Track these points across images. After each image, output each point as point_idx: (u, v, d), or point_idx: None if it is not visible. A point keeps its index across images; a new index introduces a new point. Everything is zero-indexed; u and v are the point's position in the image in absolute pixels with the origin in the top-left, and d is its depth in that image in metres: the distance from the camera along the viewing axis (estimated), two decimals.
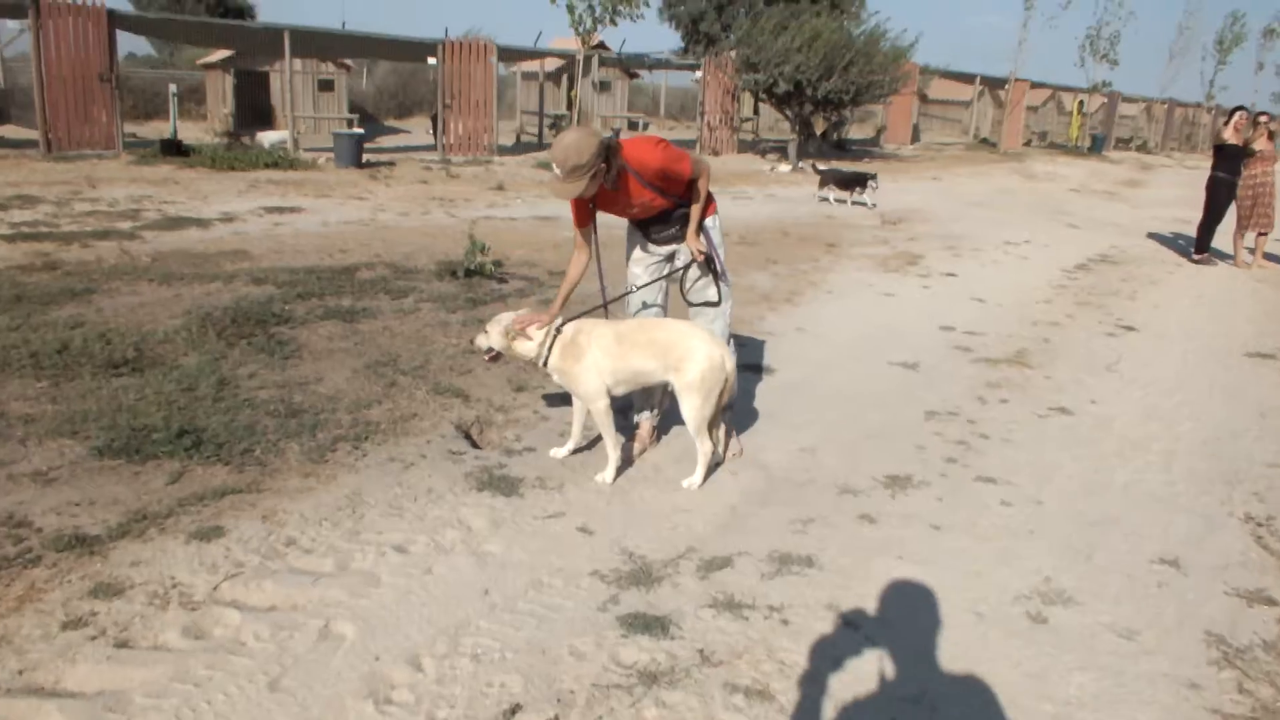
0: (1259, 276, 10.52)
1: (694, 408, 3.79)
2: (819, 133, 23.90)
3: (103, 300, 6.01)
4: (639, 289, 4.20)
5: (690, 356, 3.76)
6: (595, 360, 3.81)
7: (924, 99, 30.47)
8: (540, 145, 20.39)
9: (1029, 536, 3.68)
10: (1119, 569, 3.48)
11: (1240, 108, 10.89)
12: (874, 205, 14.34)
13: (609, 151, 3.62)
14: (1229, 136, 10.63)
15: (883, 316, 7.32)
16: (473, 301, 6.76)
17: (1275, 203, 10.56)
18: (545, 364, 3.90)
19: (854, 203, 14.51)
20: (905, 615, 3.02)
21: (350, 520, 3.34)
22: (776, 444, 4.50)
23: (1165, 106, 38.59)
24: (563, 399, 4.47)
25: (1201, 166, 27.52)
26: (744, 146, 23.40)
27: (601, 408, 3.86)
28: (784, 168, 19.95)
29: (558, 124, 21.81)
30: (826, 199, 14.80)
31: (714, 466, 4.06)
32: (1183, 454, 4.73)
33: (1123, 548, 3.67)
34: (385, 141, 20.81)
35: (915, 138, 29.11)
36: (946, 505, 3.92)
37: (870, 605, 3.04)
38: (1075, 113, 32.02)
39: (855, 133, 28.10)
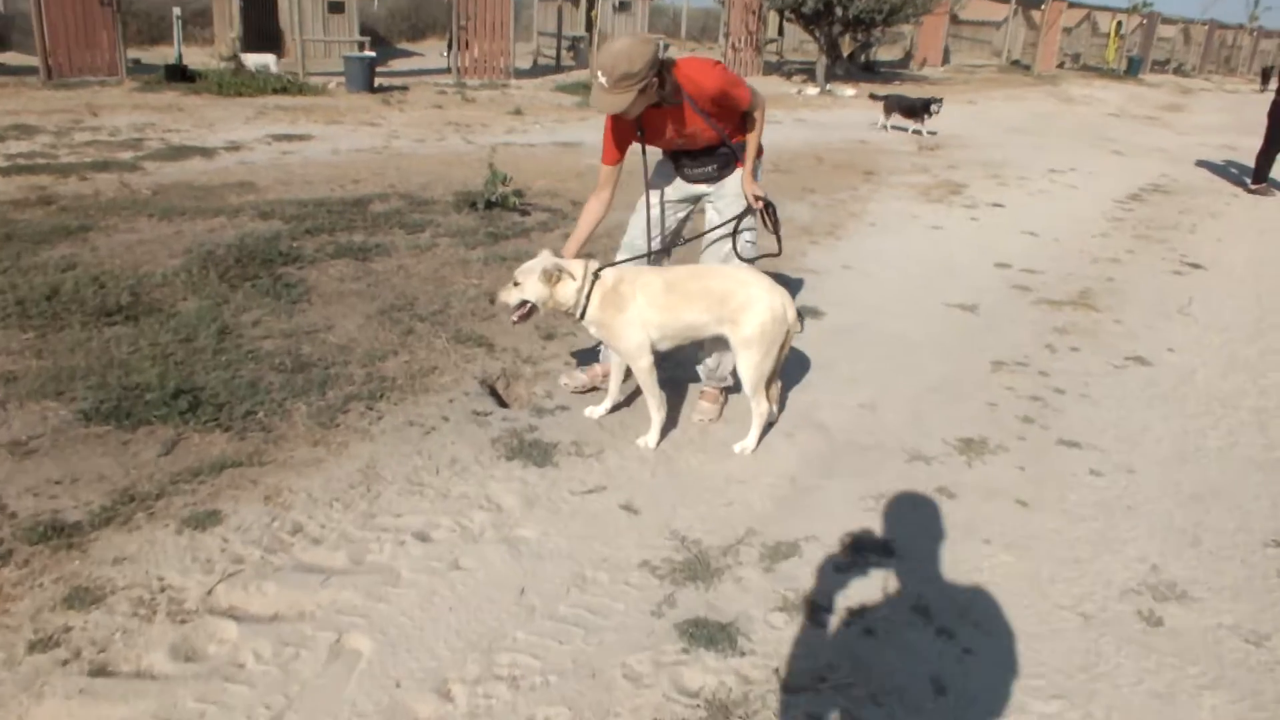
0: None
1: (752, 365, 3.36)
2: (846, 54, 22.84)
3: (99, 238, 5.58)
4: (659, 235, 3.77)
5: (750, 307, 3.31)
6: (640, 312, 3.37)
7: (954, 19, 29.11)
8: (558, 68, 19.53)
9: (1126, 514, 3.28)
10: (1232, 554, 3.08)
11: None
12: (931, 132, 13.44)
13: (663, 65, 3.13)
14: None
15: (933, 252, 6.80)
16: (494, 236, 6.29)
17: None
18: (582, 315, 3.45)
19: (915, 131, 13.44)
20: (1003, 619, 2.63)
21: (364, 501, 2.96)
22: (832, 399, 4.08)
23: (1205, 28, 36.86)
24: (599, 349, 4.04)
25: (1242, 91, 26.35)
26: (769, 69, 22.41)
27: (645, 366, 3.43)
28: (811, 90, 19.07)
29: (576, 46, 20.89)
30: (903, 128, 13.61)
31: (768, 427, 3.65)
32: (1275, 411, 4.28)
33: (1230, 527, 3.26)
34: (398, 65, 19.96)
35: (945, 59, 27.90)
36: (1030, 476, 3.51)
37: (963, 607, 2.66)
38: (1112, 34, 30.57)
39: (882, 54, 26.92)
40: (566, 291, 3.36)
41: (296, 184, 7.44)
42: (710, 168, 3.65)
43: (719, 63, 3.40)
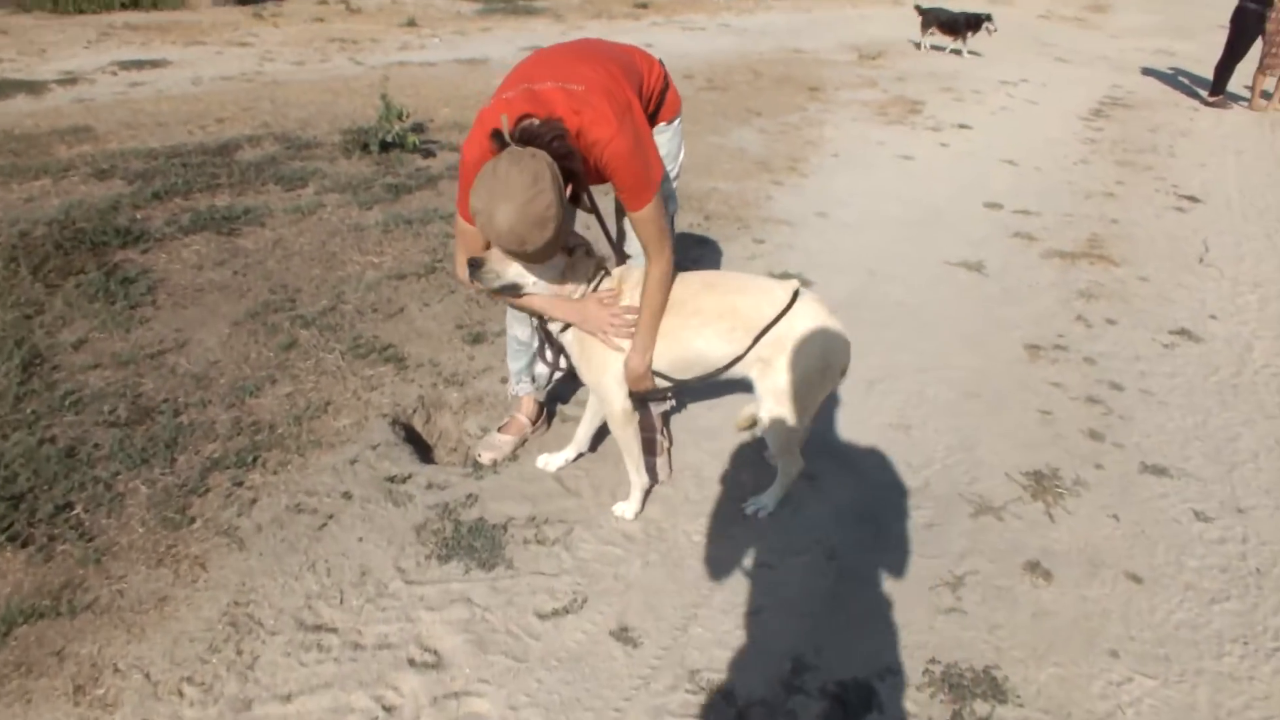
0: (1276, 120, 9.35)
1: (788, 425, 2.38)
2: None
3: None
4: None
5: (799, 346, 2.30)
6: None
7: None
8: None
9: (1260, 585, 2.52)
10: None
11: None
12: (973, 52, 11.80)
13: (568, 173, 2.06)
14: None
15: (912, 190, 5.91)
16: (394, 189, 5.12)
17: None
18: (563, 330, 2.44)
19: (954, 51, 11.75)
20: None
21: (232, 675, 1.95)
22: (852, 416, 3.20)
23: None
24: (528, 375, 3.03)
25: None
26: None
27: (626, 411, 2.46)
28: None
29: None
30: (941, 47, 11.84)
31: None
32: None
33: None
34: None
35: None
36: (1129, 529, 2.71)
37: None
38: None
39: None
40: (567, 287, 2.34)
41: (146, 127, 6.02)
42: None
43: (638, 135, 2.21)
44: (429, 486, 2.65)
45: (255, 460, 2.68)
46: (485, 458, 2.81)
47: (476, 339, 3.54)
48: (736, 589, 2.37)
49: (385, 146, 5.75)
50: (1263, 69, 9.54)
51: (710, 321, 2.34)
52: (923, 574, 2.46)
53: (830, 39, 12.51)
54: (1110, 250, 5.05)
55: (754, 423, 2.60)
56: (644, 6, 14.58)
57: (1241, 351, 3.95)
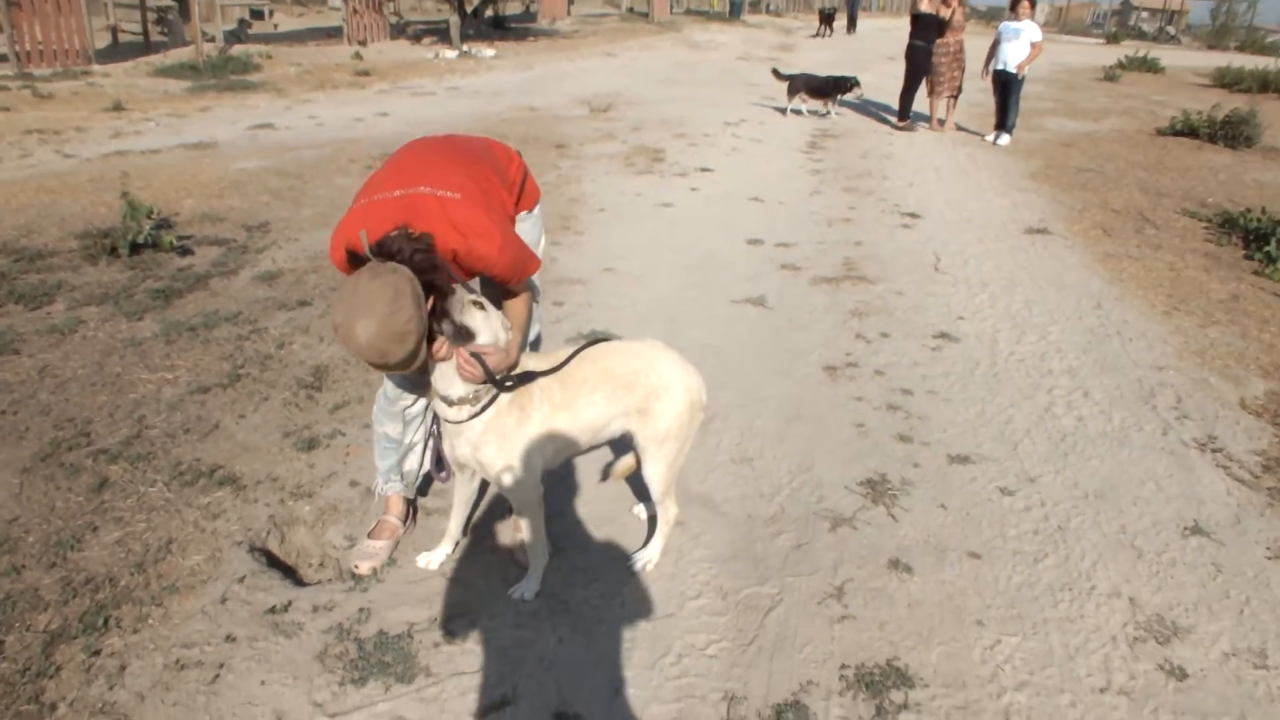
0: (954, 139, 10.95)
1: (666, 465, 2.58)
2: (470, 10, 21.83)
3: None
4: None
5: (665, 391, 2.51)
6: (545, 420, 2.42)
7: None
8: (148, 47, 16.36)
9: (1065, 540, 3.00)
10: (1174, 556, 2.91)
11: None
12: (837, 113, 12.18)
13: (430, 287, 2.07)
14: (925, 6, 10.78)
15: (680, 236, 6.32)
16: (162, 295, 4.74)
17: (962, 69, 10.97)
18: (481, 411, 2.35)
19: (814, 112, 12.12)
20: None
21: None
22: (698, 457, 3.41)
23: None
24: (391, 475, 2.96)
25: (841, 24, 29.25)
26: (395, 32, 20.79)
27: (539, 500, 2.51)
28: (449, 53, 17.88)
29: (164, 19, 17.67)
30: (799, 110, 12.12)
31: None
32: (1085, 373, 4.34)
33: (1148, 523, 3.11)
34: None
35: (568, 11, 27.91)
36: (956, 515, 3.11)
37: None
38: None
39: (507, 10, 26.27)
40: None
41: None
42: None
43: (502, 219, 2.33)
44: (314, 610, 2.51)
45: (106, 622, 2.41)
46: (364, 568, 2.70)
47: (310, 445, 3.38)
48: (651, 643, 2.46)
49: (135, 248, 5.30)
50: (936, 94, 11.13)
51: (597, 387, 2.46)
52: (807, 591, 2.68)
53: (559, 95, 13.01)
54: (864, 270, 5.70)
55: (631, 470, 2.76)
56: (366, 74, 14.37)
57: (990, 345, 4.62)
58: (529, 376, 2.38)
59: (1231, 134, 10.49)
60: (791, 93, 12.06)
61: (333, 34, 19.34)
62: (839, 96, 12.01)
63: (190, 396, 3.69)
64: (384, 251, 2.02)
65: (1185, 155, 10.24)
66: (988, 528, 3.04)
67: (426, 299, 2.04)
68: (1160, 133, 11.53)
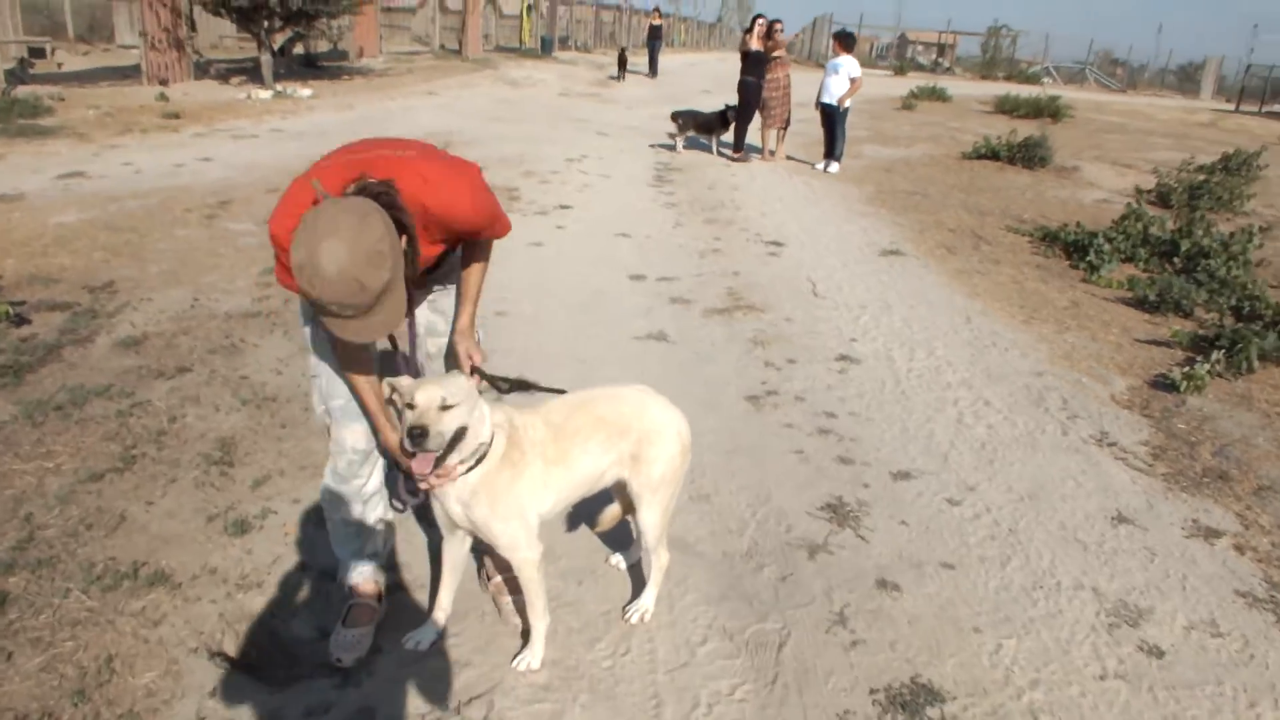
0: (787, 168, 11.55)
1: (661, 510, 2.55)
2: (278, 48, 20.89)
3: None
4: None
5: (658, 437, 2.48)
6: (539, 475, 2.30)
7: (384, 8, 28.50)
8: None
9: (1021, 542, 3.19)
10: (1114, 546, 3.16)
11: (759, 15, 11.57)
12: (736, 147, 12.01)
13: (399, 224, 1.94)
14: (755, 44, 11.31)
15: (562, 275, 6.27)
16: (10, 371, 4.18)
17: (790, 101, 11.61)
18: (468, 470, 2.21)
19: (719, 151, 12.11)
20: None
21: None
22: None
23: (593, 10, 41.62)
24: (318, 519, 2.74)
25: (641, 64, 30.07)
26: (199, 71, 19.51)
27: (538, 558, 2.38)
28: (263, 94, 16.97)
29: None
30: (672, 146, 12.18)
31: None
32: (978, 384, 4.67)
33: (1080, 516, 3.38)
34: None
35: (379, 48, 27.23)
36: (918, 529, 3.24)
37: None
38: (524, 15, 32.73)
39: (317, 47, 25.29)
40: (484, 428, 2.21)
41: None
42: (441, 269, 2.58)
43: (467, 171, 2.22)
44: (309, 714, 2.27)
45: None
46: (347, 660, 2.47)
47: (241, 528, 3.07)
48: (677, 697, 2.40)
49: None
50: (767, 126, 11.69)
51: (590, 435, 2.40)
52: (810, 622, 2.71)
53: (390, 135, 12.62)
54: (750, 299, 5.87)
55: (618, 519, 2.73)
56: (176, 116, 13.39)
57: (888, 363, 4.87)
58: (526, 385, 2.47)
59: (1028, 156, 11.67)
60: (682, 130, 12.28)
61: (129, 74, 17.87)
62: (723, 131, 12.13)
63: (81, 486, 3.26)
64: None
65: (991, 176, 11.28)
66: (950, 538, 3.18)
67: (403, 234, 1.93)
68: (965, 156, 12.65)
